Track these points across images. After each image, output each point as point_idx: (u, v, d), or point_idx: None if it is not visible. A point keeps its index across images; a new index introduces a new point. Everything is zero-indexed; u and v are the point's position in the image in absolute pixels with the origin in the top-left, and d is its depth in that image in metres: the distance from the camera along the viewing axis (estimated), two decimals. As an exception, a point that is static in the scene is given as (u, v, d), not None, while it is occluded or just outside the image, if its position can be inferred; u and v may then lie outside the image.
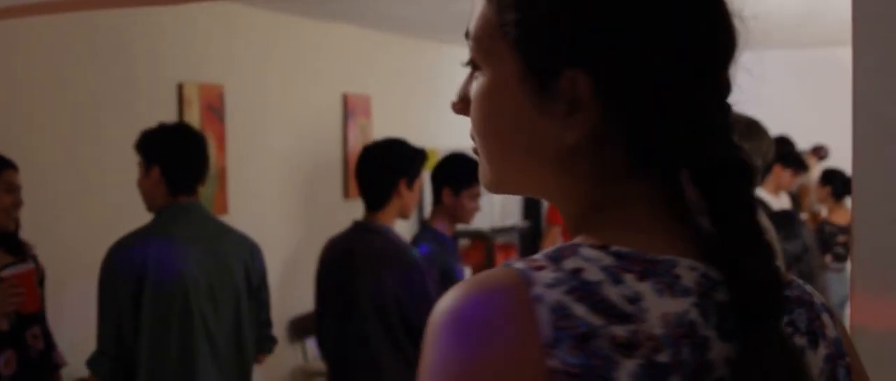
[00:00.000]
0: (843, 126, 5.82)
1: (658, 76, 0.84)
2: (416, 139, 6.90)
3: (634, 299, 0.78)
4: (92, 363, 3.20)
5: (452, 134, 7.32)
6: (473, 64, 0.92)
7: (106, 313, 3.19)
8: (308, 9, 5.30)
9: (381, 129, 6.41)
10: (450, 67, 7.21)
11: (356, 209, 6.08)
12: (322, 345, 3.68)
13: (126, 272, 3.17)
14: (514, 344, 0.75)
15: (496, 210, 6.75)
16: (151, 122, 3.34)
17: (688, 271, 0.81)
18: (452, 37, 6.87)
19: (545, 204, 5.90)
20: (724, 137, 0.86)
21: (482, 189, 4.39)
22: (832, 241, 6.20)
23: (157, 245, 3.24)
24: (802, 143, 7.69)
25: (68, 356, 3.66)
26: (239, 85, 5.04)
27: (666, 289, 0.79)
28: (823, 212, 6.68)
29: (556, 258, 0.80)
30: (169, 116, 4.52)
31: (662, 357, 0.76)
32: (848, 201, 6.43)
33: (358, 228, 3.58)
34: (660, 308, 0.78)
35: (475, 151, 0.94)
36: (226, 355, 3.42)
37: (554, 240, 5.94)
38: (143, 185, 3.34)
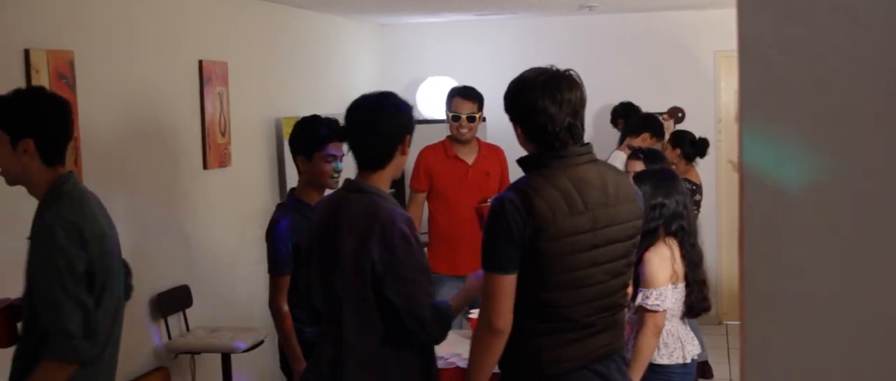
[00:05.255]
0: (698, 89, 5.95)
1: None
2: (274, 107, 6.79)
3: None
4: (65, 350, 3.02)
5: (311, 101, 7.21)
6: None
7: (68, 294, 3.03)
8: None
9: (239, 96, 6.25)
10: (306, 32, 7.10)
11: (216, 179, 5.95)
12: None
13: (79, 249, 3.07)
14: None
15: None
16: (-6, 92, 3.18)
17: None
18: (308, 2, 6.75)
19: (409, 172, 5.83)
20: None
21: (344, 149, 4.29)
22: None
23: (92, 215, 3.17)
24: (661, 106, 7.85)
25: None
26: (91, 51, 4.83)
27: None
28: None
29: None
30: (14, 85, 4.29)
31: None
32: (697, 162, 6.62)
33: (350, 188, 3.38)
34: None
35: None
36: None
37: (419, 206, 5.91)
38: (8, 161, 3.15)
